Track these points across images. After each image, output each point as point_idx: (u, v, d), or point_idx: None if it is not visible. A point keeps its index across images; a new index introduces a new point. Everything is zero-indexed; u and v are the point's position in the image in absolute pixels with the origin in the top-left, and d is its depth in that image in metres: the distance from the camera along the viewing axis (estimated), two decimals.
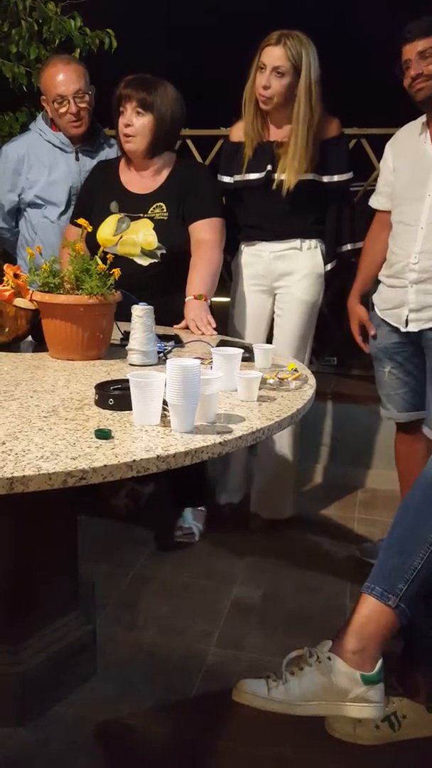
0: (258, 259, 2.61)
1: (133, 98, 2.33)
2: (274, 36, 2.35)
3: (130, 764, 1.59)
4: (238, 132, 2.56)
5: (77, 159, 2.71)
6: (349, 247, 2.60)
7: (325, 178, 2.48)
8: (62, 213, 2.71)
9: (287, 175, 2.42)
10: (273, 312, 2.68)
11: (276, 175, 2.45)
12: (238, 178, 2.53)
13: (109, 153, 2.76)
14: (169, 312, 2.23)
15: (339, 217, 2.57)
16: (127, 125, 2.34)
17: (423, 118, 2.23)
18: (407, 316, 2.22)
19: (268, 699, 1.52)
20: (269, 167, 2.46)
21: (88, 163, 2.72)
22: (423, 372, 2.29)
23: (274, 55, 2.34)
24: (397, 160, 2.31)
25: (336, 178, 2.50)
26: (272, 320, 2.69)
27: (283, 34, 2.34)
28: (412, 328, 2.21)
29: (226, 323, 2.68)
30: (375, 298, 2.40)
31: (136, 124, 2.34)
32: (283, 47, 2.33)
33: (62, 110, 2.59)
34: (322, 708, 1.52)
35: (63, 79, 2.57)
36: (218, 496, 2.84)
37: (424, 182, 2.17)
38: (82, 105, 2.60)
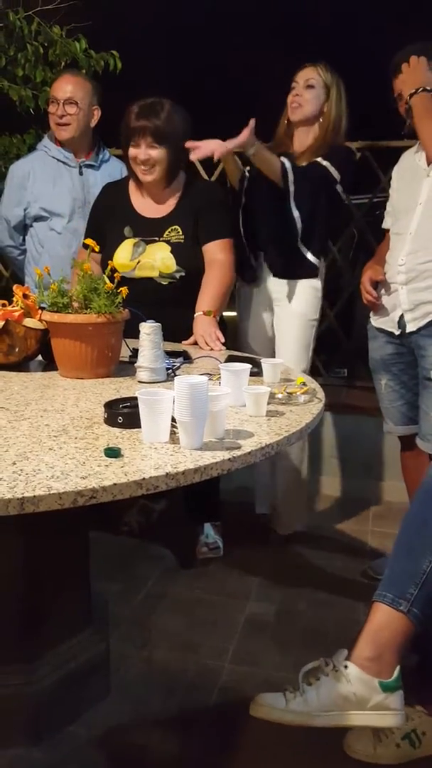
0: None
1: (147, 132, 2.30)
2: (306, 63, 2.58)
3: None
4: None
5: (81, 173, 2.80)
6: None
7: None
8: (67, 222, 2.78)
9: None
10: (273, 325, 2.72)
11: None
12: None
13: (112, 170, 2.82)
14: (187, 327, 2.26)
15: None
16: (145, 161, 2.34)
17: None
18: (401, 317, 2.23)
19: (286, 711, 1.48)
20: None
21: (92, 178, 2.80)
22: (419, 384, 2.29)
23: (306, 73, 2.57)
24: (399, 181, 2.38)
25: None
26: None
27: (315, 61, 2.58)
28: (410, 328, 2.22)
29: (234, 338, 2.70)
30: (371, 312, 2.41)
31: (152, 157, 2.33)
32: (315, 68, 2.56)
33: (51, 109, 2.76)
34: (342, 718, 1.49)
35: (62, 85, 2.75)
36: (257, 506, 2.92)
37: (416, 193, 2.22)
38: (70, 111, 2.72)
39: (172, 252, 2.37)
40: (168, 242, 2.39)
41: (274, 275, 2.61)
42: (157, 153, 2.34)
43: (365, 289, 2.34)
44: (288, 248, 2.56)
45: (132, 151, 2.36)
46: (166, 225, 2.41)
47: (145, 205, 2.47)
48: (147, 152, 2.33)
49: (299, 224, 2.51)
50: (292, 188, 2.47)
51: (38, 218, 2.80)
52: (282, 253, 2.58)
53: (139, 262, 2.37)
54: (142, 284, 2.28)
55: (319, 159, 2.51)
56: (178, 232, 2.40)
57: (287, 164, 2.46)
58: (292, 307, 2.62)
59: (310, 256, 2.56)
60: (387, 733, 1.57)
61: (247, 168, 2.63)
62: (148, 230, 2.42)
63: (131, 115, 2.35)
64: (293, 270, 2.59)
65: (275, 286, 2.63)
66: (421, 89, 2.15)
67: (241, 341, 2.75)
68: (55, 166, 2.80)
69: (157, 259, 2.37)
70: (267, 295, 2.66)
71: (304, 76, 2.55)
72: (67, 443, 1.31)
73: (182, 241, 2.39)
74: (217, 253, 2.40)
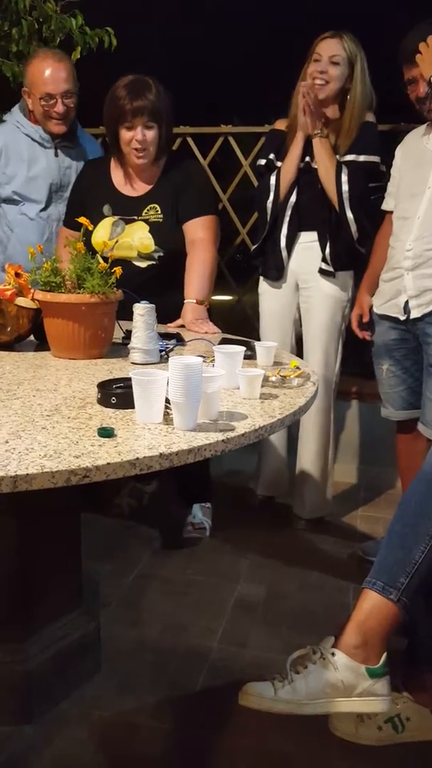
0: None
1: (144, 112, 2.25)
2: (329, 32, 2.43)
3: (135, 761, 1.60)
4: (283, 123, 2.63)
5: (56, 155, 2.67)
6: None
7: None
8: (42, 210, 2.66)
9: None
10: (299, 307, 2.70)
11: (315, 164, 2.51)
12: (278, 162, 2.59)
13: (88, 151, 2.73)
14: (168, 310, 2.23)
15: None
16: (141, 141, 2.28)
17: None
18: (406, 302, 2.22)
19: (275, 700, 1.50)
20: (307, 158, 2.52)
21: (68, 160, 2.68)
22: (421, 370, 2.29)
23: (330, 46, 2.41)
24: (403, 161, 2.34)
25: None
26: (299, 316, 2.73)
27: (339, 31, 2.43)
28: (415, 314, 2.21)
29: (229, 320, 2.70)
30: (374, 298, 2.41)
31: (148, 138, 2.29)
32: (340, 40, 2.41)
33: (48, 108, 2.57)
34: (330, 705, 1.51)
35: (54, 77, 2.54)
36: (256, 487, 2.93)
37: (425, 177, 2.19)
38: (71, 104, 2.58)
39: (150, 231, 2.35)
40: (146, 221, 2.36)
41: (335, 269, 2.54)
42: (152, 133, 2.30)
43: (356, 329, 2.46)
44: (345, 247, 2.53)
45: (126, 134, 2.30)
46: (145, 203, 2.38)
47: (125, 183, 2.44)
48: (143, 133, 2.28)
49: (354, 227, 2.47)
50: (345, 187, 2.43)
51: (9, 201, 2.65)
52: (340, 252, 2.54)
53: (117, 241, 2.34)
54: (119, 266, 2.26)
55: (352, 157, 2.45)
56: (157, 211, 2.37)
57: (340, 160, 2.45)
58: (324, 290, 2.59)
59: (363, 251, 2.54)
60: (370, 714, 1.59)
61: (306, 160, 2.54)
62: (127, 208, 2.39)
63: (122, 95, 2.27)
64: (348, 264, 2.57)
65: (308, 274, 2.60)
66: None
67: (262, 325, 2.76)
68: (29, 146, 2.64)
69: (135, 239, 2.35)
70: (294, 280, 2.65)
71: (328, 51, 2.41)
72: (60, 423, 1.31)
73: (161, 220, 2.37)
74: (198, 231, 2.37)
